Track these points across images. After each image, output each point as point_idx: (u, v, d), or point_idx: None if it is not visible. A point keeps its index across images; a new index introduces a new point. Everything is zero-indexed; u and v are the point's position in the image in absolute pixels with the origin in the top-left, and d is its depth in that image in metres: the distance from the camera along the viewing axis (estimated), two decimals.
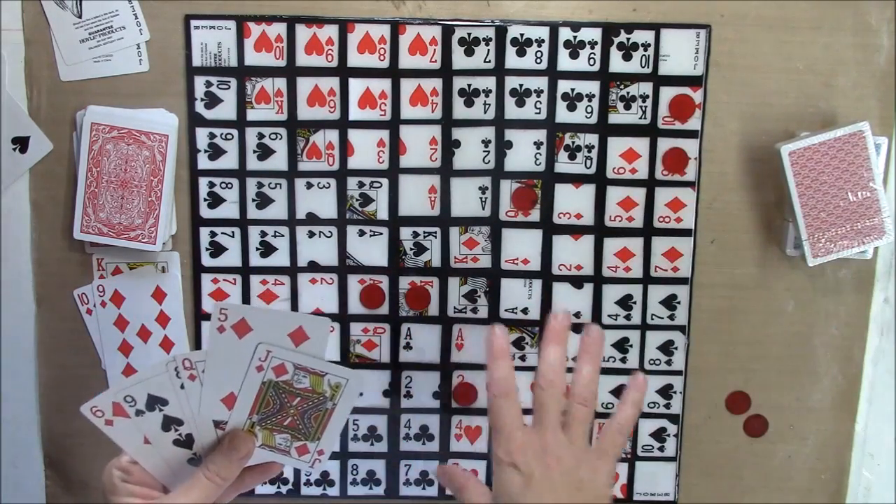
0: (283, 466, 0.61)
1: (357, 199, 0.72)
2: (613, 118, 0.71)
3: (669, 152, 0.71)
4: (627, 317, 0.74)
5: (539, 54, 0.70)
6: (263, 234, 0.73)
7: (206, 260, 0.73)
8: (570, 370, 0.75)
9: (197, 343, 0.74)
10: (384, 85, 0.71)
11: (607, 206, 0.72)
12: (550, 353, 0.60)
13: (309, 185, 0.72)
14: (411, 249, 0.73)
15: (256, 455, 0.58)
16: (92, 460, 0.75)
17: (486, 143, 0.71)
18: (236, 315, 0.53)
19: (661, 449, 0.76)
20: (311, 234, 0.73)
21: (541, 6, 0.70)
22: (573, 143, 0.71)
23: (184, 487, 0.55)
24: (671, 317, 0.74)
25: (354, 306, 0.74)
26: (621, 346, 0.74)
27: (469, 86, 0.71)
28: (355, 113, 0.71)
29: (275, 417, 0.56)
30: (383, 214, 0.72)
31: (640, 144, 0.71)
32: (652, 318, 0.74)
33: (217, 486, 0.55)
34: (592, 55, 0.70)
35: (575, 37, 0.70)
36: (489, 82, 0.70)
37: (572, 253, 0.73)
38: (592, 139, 0.71)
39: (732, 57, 0.70)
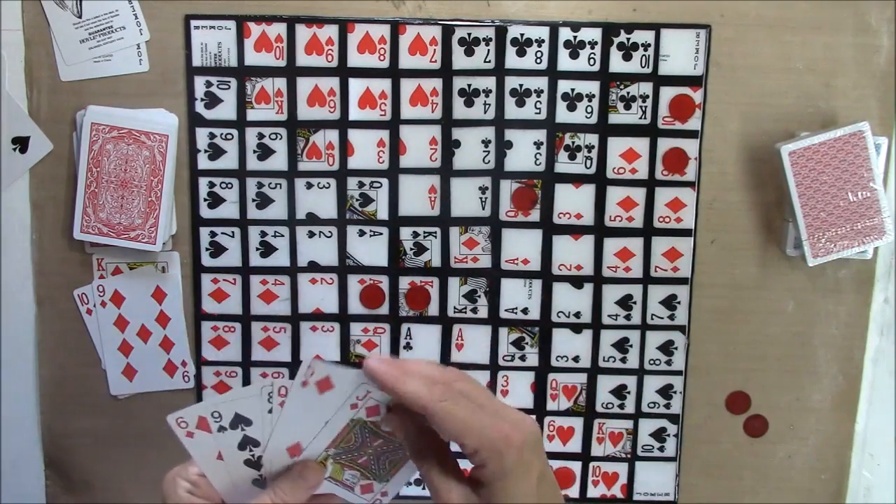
0: (343, 501, 0.60)
1: (357, 199, 0.72)
2: (613, 118, 0.71)
3: (669, 152, 0.71)
4: (627, 317, 0.74)
5: (539, 54, 0.70)
6: (263, 234, 0.73)
7: (206, 260, 0.73)
8: (573, 370, 0.75)
9: (197, 343, 0.74)
10: (384, 85, 0.71)
11: (607, 206, 0.72)
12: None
13: (309, 185, 0.72)
14: (411, 249, 0.73)
15: (321, 486, 0.58)
16: (92, 460, 0.75)
17: (486, 143, 0.71)
18: (322, 372, 0.53)
19: (661, 449, 0.76)
20: (311, 234, 0.73)
21: (541, 6, 0.70)
22: (573, 143, 0.71)
23: None
24: (671, 317, 0.74)
25: (354, 306, 0.74)
26: (621, 346, 0.74)
27: (469, 86, 0.71)
28: (355, 113, 0.71)
29: (351, 455, 0.56)
30: (383, 214, 0.72)
31: (640, 144, 0.71)
32: (652, 318, 0.74)
33: None
34: (592, 55, 0.70)
35: (575, 37, 0.70)
36: (489, 82, 0.70)
37: (572, 253, 0.73)
38: (592, 139, 0.71)
39: (732, 57, 0.70)
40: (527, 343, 0.74)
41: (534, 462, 0.47)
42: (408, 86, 0.71)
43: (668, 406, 0.75)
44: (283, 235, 0.73)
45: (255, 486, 0.58)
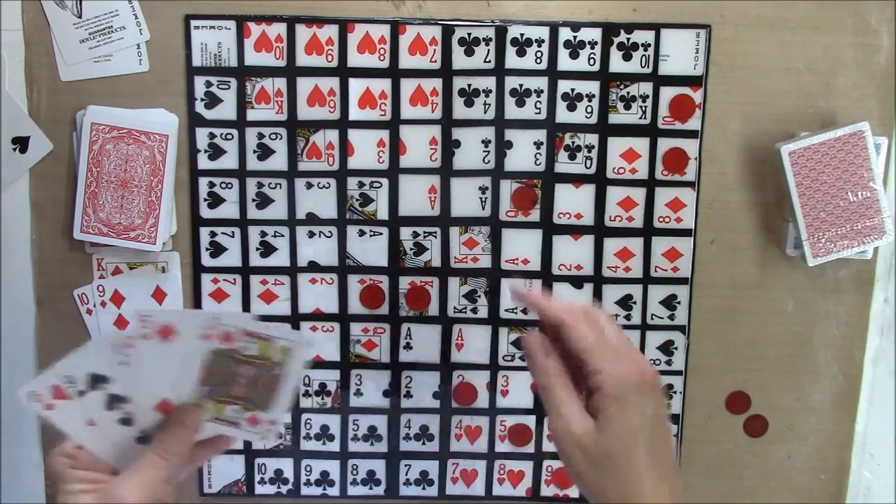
0: (234, 439, 0.59)
1: (357, 199, 0.72)
2: (613, 118, 0.71)
3: (669, 152, 0.71)
4: (627, 317, 0.74)
5: (539, 54, 0.70)
6: (263, 234, 0.73)
7: (206, 260, 0.73)
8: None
9: None
10: (384, 85, 0.71)
11: (607, 206, 0.72)
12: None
13: (309, 185, 0.72)
14: (411, 249, 0.73)
15: (206, 429, 0.57)
16: None
17: (486, 143, 0.71)
18: (158, 320, 0.52)
19: None
20: (311, 234, 0.73)
21: (541, 6, 0.70)
22: (573, 143, 0.71)
23: (134, 467, 0.53)
24: (671, 317, 0.74)
25: (354, 306, 0.74)
26: None
27: (469, 86, 0.71)
28: (355, 113, 0.71)
29: (224, 388, 0.55)
30: (383, 214, 0.72)
31: (640, 144, 0.71)
32: (652, 318, 0.74)
33: (168, 462, 0.54)
34: (592, 55, 0.70)
35: (575, 37, 0.70)
36: (489, 82, 0.70)
37: (572, 253, 0.73)
38: (592, 139, 0.71)
39: (732, 57, 0.70)
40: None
41: (647, 402, 0.48)
42: (408, 86, 0.71)
43: (668, 406, 0.75)
44: (283, 235, 0.73)
45: (140, 444, 0.55)
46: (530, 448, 0.76)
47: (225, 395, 0.55)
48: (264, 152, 0.71)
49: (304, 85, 0.70)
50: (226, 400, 0.55)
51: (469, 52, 0.70)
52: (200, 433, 0.57)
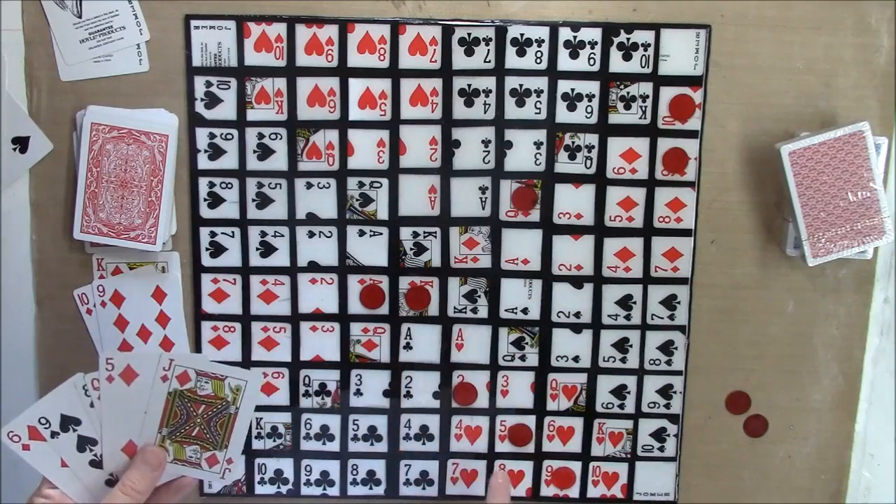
0: (195, 480, 0.62)
1: (357, 199, 0.72)
2: (613, 118, 0.71)
3: (669, 152, 0.71)
4: (627, 317, 0.74)
5: (539, 54, 0.70)
6: (263, 234, 0.73)
7: (206, 260, 0.73)
8: (573, 370, 0.75)
9: (197, 344, 0.74)
10: (384, 85, 0.71)
11: (607, 206, 0.72)
12: None
13: (309, 185, 0.72)
14: (411, 249, 0.73)
15: (169, 470, 0.60)
16: None
17: (486, 143, 0.71)
18: (122, 363, 0.54)
19: (661, 449, 0.76)
20: (311, 234, 0.73)
21: (541, 6, 0.70)
22: (573, 143, 0.71)
23: None
24: (671, 317, 0.74)
25: (354, 306, 0.74)
26: (621, 346, 0.74)
27: (469, 86, 0.71)
28: (355, 113, 0.71)
29: (183, 429, 0.58)
30: (383, 214, 0.72)
31: (640, 144, 0.71)
32: (652, 318, 0.74)
33: (133, 499, 0.56)
34: (592, 55, 0.70)
35: (575, 37, 0.70)
36: (489, 82, 0.71)
37: (572, 253, 0.73)
38: (592, 139, 0.71)
39: (732, 57, 0.70)
40: (527, 343, 0.74)
41: None
42: (408, 86, 0.71)
43: (668, 406, 0.75)
44: (283, 235, 0.73)
45: (109, 487, 0.59)
46: (530, 448, 0.76)
47: (184, 436, 0.58)
48: (264, 152, 0.71)
49: (304, 85, 0.70)
50: (185, 441, 0.58)
51: (469, 52, 0.70)
52: (164, 475, 0.60)
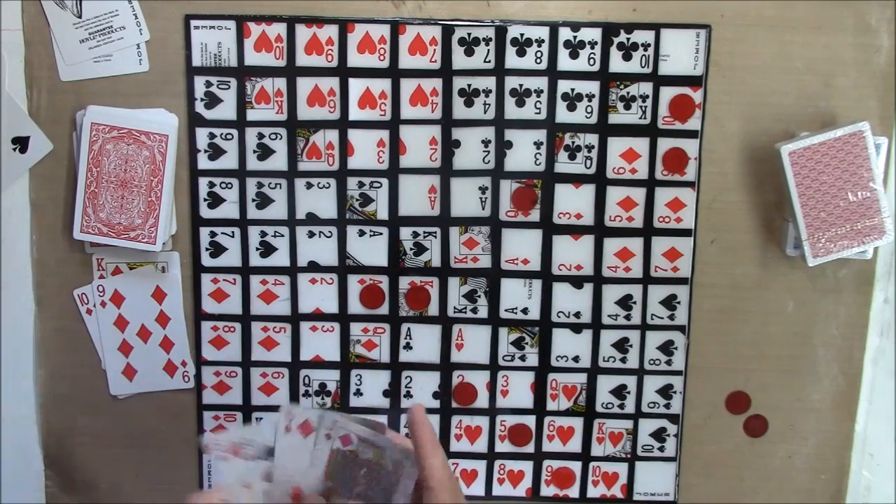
0: None
1: (357, 199, 0.72)
2: (613, 118, 0.71)
3: (669, 152, 0.71)
4: (627, 317, 0.74)
5: (539, 54, 0.70)
6: (263, 234, 0.73)
7: (206, 260, 0.73)
8: (573, 370, 0.75)
9: (197, 343, 0.74)
10: (384, 85, 0.71)
11: (607, 206, 0.72)
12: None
13: (309, 185, 0.72)
14: (411, 249, 0.73)
15: None
16: (92, 460, 0.75)
17: (486, 143, 0.71)
18: (300, 417, 0.56)
19: (661, 449, 0.76)
20: (311, 234, 0.73)
21: (541, 6, 0.70)
22: (573, 143, 0.71)
23: None
24: (671, 317, 0.74)
25: (354, 306, 0.74)
26: (621, 346, 0.74)
27: (469, 86, 0.71)
28: (355, 113, 0.71)
29: (347, 486, 0.58)
30: (383, 214, 0.72)
31: (640, 144, 0.71)
32: (652, 318, 0.74)
33: None
34: (592, 55, 0.70)
35: (575, 37, 0.70)
36: (489, 82, 0.70)
37: (572, 253, 0.73)
38: (592, 139, 0.71)
39: (732, 57, 0.70)
40: (527, 343, 0.74)
41: None
42: (408, 86, 0.71)
43: (668, 406, 0.75)
44: (283, 235, 0.73)
45: None
46: (530, 448, 0.76)
47: (347, 494, 0.58)
48: (264, 152, 0.71)
49: (304, 85, 0.70)
50: (348, 495, 0.58)
51: (469, 52, 0.70)
52: None
